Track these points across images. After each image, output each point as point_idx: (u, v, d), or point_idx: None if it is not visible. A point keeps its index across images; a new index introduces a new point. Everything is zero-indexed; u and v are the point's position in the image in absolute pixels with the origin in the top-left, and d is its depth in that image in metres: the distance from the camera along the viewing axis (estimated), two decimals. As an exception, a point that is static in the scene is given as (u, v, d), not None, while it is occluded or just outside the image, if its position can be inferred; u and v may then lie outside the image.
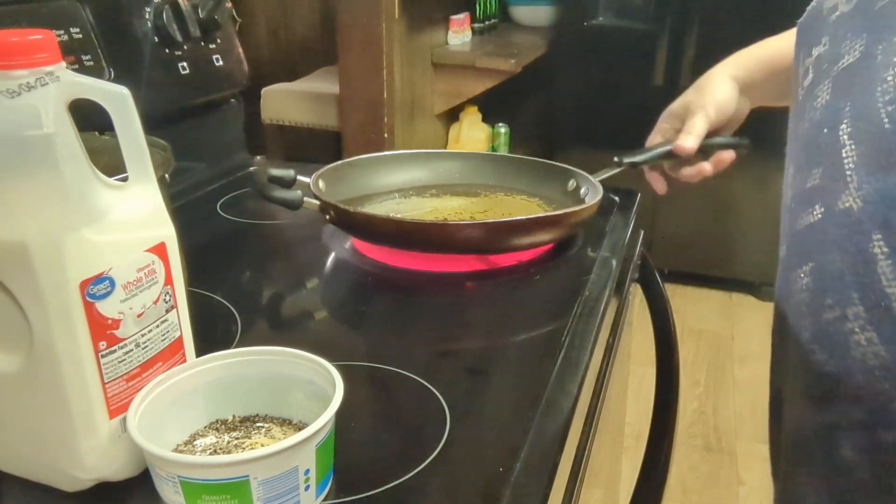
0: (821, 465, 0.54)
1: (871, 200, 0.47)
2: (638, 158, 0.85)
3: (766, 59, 0.80)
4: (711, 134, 0.83)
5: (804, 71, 0.57)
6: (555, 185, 0.88)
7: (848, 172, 0.49)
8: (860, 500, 0.51)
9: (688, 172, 0.85)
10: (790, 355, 0.57)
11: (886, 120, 0.47)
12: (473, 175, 0.92)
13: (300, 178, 0.79)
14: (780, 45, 0.78)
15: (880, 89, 0.47)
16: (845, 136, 0.50)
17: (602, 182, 0.82)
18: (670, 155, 0.84)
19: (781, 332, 0.58)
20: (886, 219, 0.46)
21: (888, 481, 0.49)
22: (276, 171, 0.78)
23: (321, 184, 0.81)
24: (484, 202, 0.88)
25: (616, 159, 0.85)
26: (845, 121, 0.50)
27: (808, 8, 0.59)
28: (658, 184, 0.86)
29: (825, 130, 0.51)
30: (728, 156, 0.85)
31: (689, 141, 0.80)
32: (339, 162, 0.88)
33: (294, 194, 0.75)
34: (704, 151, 0.85)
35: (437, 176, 0.92)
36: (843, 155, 0.49)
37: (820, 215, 0.51)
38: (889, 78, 0.47)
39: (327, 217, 0.76)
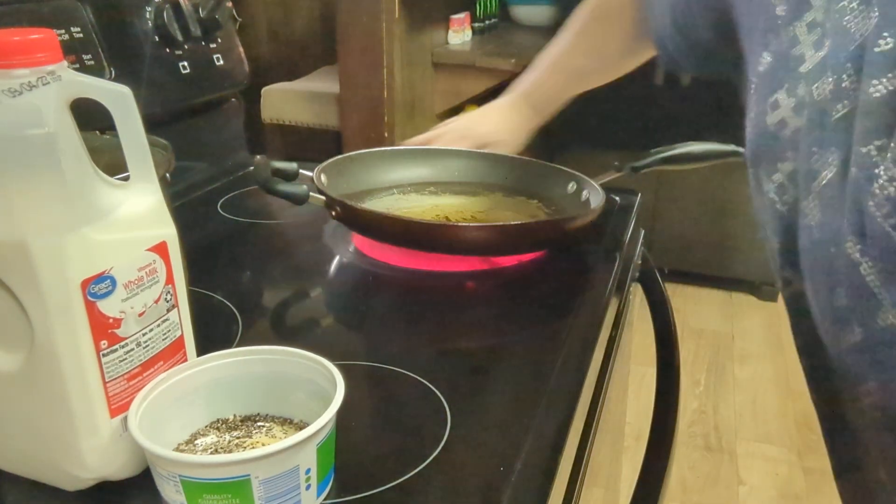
0: None
1: None
2: (638, 164, 0.86)
3: (557, 90, 0.94)
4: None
5: (777, 186, 0.56)
6: (554, 187, 0.88)
7: (875, 290, 0.48)
8: None
9: None
10: (882, 477, 0.56)
11: (893, 232, 0.46)
12: (473, 174, 0.92)
13: (302, 171, 0.79)
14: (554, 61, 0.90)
15: (873, 203, 0.47)
16: (857, 255, 0.49)
17: (602, 185, 0.82)
18: (670, 160, 0.85)
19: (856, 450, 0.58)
20: None
21: None
22: (279, 164, 0.78)
23: (323, 178, 0.81)
24: (483, 201, 0.88)
25: (616, 164, 0.86)
26: (850, 239, 0.49)
27: (749, 130, 0.58)
28: None
29: (832, 249, 0.50)
30: None
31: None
32: (341, 156, 0.88)
33: (300, 188, 0.74)
34: (702, 158, 0.87)
35: (437, 173, 0.92)
36: (863, 272, 0.48)
37: (861, 335, 0.50)
38: (877, 191, 0.46)
39: (332, 213, 0.75)
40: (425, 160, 0.93)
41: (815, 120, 0.50)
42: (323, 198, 0.75)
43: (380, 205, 0.86)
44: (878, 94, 0.45)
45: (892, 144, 0.45)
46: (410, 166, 0.92)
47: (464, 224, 0.76)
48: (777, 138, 0.54)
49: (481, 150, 0.94)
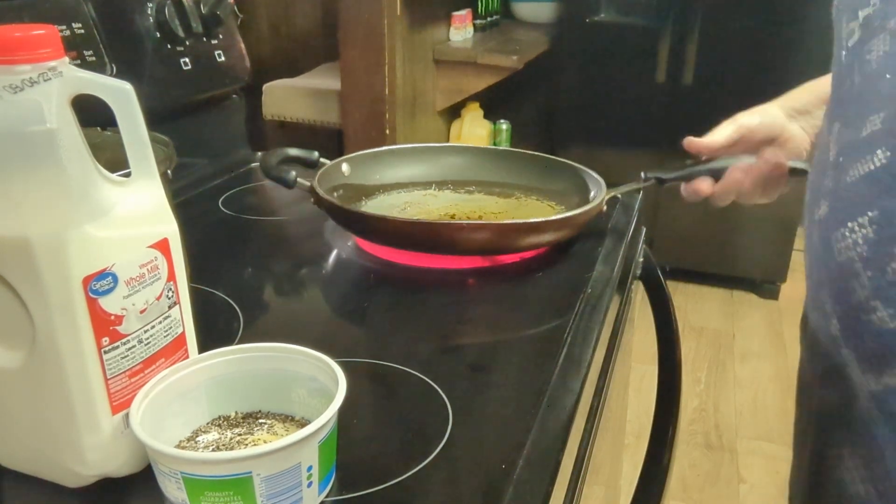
0: (876, 438, 0.52)
1: None
2: (666, 175, 0.82)
3: (817, 89, 0.78)
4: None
5: (848, 33, 0.55)
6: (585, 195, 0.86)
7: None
8: None
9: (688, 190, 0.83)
10: (831, 328, 0.54)
11: None
12: (514, 175, 0.91)
13: (323, 160, 0.83)
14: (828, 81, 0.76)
15: None
16: None
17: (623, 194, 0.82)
18: (704, 174, 0.81)
19: (816, 303, 0.55)
20: None
21: None
22: (295, 151, 0.82)
23: (345, 167, 0.83)
24: (512, 204, 0.88)
25: (643, 174, 0.83)
26: None
27: None
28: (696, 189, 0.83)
29: (887, 76, 0.49)
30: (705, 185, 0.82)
31: (699, 140, 0.79)
32: (378, 149, 0.90)
33: (289, 175, 0.78)
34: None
35: (467, 172, 0.92)
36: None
37: (885, 159, 0.48)
38: None
39: (312, 201, 0.78)
40: (469, 156, 0.93)
41: None
42: (308, 184, 0.78)
43: (409, 197, 0.87)
44: None
45: None
46: (452, 161, 0.92)
47: (451, 222, 0.77)
48: None
49: (530, 152, 0.92)
